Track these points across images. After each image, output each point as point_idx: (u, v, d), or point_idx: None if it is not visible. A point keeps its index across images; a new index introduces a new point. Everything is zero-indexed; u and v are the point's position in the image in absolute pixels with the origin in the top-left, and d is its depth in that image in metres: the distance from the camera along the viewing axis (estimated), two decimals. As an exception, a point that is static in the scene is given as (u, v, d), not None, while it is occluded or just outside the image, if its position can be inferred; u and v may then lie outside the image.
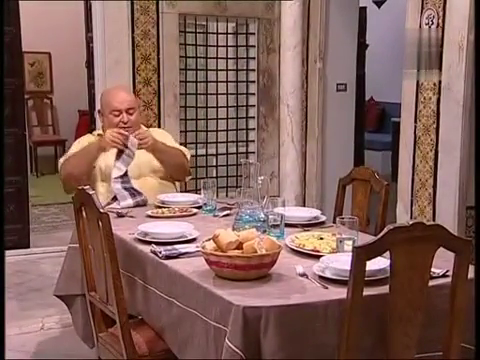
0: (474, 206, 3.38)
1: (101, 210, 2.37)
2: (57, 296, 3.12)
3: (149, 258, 2.43)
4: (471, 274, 2.04)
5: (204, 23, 5.38)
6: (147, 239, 2.57)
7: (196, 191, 3.89)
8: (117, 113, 3.48)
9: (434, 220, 3.99)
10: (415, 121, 4.18)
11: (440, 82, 3.98)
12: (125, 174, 3.38)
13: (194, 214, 3.05)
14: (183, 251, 2.40)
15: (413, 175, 4.20)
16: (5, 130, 4.78)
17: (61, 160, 3.51)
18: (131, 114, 3.50)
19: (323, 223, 2.92)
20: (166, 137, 3.70)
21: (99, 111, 3.68)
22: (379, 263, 2.05)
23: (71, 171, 3.36)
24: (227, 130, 5.53)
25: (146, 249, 2.49)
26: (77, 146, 3.56)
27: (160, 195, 3.31)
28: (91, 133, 3.76)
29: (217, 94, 5.45)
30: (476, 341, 2.03)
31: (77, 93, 7.91)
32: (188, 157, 3.65)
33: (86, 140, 3.59)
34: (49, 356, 3.40)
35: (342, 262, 2.08)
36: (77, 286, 2.96)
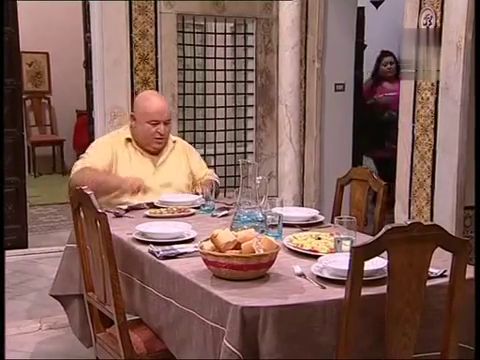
0: (474, 206, 3.39)
1: (99, 210, 2.36)
2: (53, 296, 3.11)
3: (147, 258, 2.43)
4: (469, 274, 2.04)
5: (202, 23, 5.39)
6: (145, 239, 2.57)
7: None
8: (155, 123, 3.37)
9: (432, 220, 3.99)
10: (413, 121, 4.18)
11: (438, 82, 3.98)
12: None
13: (192, 214, 3.05)
14: (181, 251, 2.40)
15: (411, 175, 4.20)
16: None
17: (78, 166, 3.32)
18: (167, 125, 3.43)
19: (321, 223, 2.91)
20: (193, 153, 3.65)
21: (132, 116, 3.48)
22: (377, 263, 2.05)
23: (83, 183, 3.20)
24: (225, 130, 5.54)
25: (144, 249, 2.48)
26: (100, 148, 3.40)
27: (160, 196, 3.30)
28: (118, 131, 3.58)
29: (215, 94, 5.46)
30: (476, 341, 2.04)
31: (75, 93, 7.90)
32: (218, 182, 3.63)
33: (109, 142, 3.44)
34: (47, 356, 3.40)
35: (340, 262, 2.08)
36: (74, 286, 2.95)
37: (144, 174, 3.35)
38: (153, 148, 3.43)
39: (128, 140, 3.44)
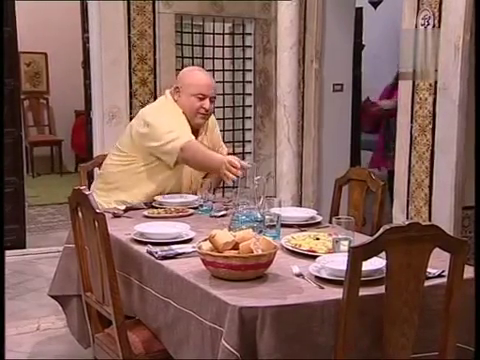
0: (474, 206, 3.39)
1: (97, 210, 2.36)
2: (52, 296, 3.11)
3: (145, 258, 2.43)
4: (467, 274, 2.04)
5: (200, 23, 5.40)
6: (143, 239, 2.57)
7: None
8: (201, 97, 3.24)
9: (430, 220, 3.99)
10: (411, 121, 4.19)
11: (436, 82, 3.98)
12: None
13: (190, 214, 3.05)
14: (179, 251, 2.40)
15: (409, 175, 4.21)
16: (2, 130, 4.77)
17: (179, 144, 3.10)
18: (212, 102, 3.32)
19: (319, 223, 2.92)
20: (215, 128, 3.54)
21: (177, 88, 3.32)
22: (375, 263, 2.05)
23: (188, 160, 3.14)
24: (223, 130, 5.52)
25: (142, 249, 2.48)
26: (181, 119, 3.26)
27: (157, 196, 3.30)
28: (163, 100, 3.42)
29: (213, 94, 5.45)
30: (476, 341, 2.04)
31: (73, 93, 7.90)
32: None
33: (177, 109, 3.29)
34: (45, 356, 3.40)
35: (338, 262, 2.08)
36: (72, 286, 2.95)
37: None
38: (196, 124, 3.31)
39: (184, 114, 3.31)
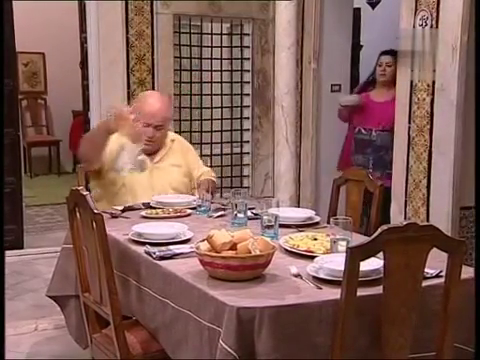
0: (473, 206, 3.39)
1: (95, 211, 2.36)
2: (50, 297, 3.11)
3: (143, 259, 2.43)
4: (464, 274, 2.05)
5: (198, 24, 5.39)
6: (141, 240, 2.57)
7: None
8: (145, 125, 3.33)
9: (428, 221, 3.99)
10: (409, 122, 4.19)
11: (434, 83, 3.99)
12: None
13: (188, 215, 3.05)
14: (177, 252, 2.40)
15: (407, 176, 4.21)
16: (0, 131, 4.76)
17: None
18: (159, 130, 3.38)
19: (317, 224, 2.92)
20: (190, 152, 3.65)
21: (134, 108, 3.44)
22: (373, 263, 2.05)
23: (86, 152, 3.27)
24: (221, 131, 5.54)
25: (140, 250, 2.48)
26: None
27: (155, 196, 3.30)
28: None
29: (211, 95, 5.46)
30: (476, 341, 2.04)
31: (71, 93, 7.88)
32: (215, 181, 3.60)
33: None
34: (43, 357, 3.40)
35: (336, 263, 2.09)
36: (70, 287, 2.95)
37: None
38: (144, 149, 3.42)
39: None
